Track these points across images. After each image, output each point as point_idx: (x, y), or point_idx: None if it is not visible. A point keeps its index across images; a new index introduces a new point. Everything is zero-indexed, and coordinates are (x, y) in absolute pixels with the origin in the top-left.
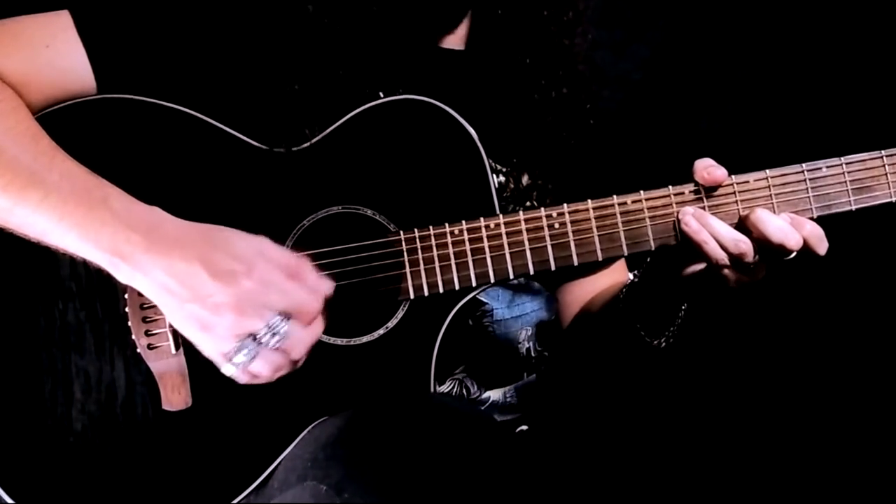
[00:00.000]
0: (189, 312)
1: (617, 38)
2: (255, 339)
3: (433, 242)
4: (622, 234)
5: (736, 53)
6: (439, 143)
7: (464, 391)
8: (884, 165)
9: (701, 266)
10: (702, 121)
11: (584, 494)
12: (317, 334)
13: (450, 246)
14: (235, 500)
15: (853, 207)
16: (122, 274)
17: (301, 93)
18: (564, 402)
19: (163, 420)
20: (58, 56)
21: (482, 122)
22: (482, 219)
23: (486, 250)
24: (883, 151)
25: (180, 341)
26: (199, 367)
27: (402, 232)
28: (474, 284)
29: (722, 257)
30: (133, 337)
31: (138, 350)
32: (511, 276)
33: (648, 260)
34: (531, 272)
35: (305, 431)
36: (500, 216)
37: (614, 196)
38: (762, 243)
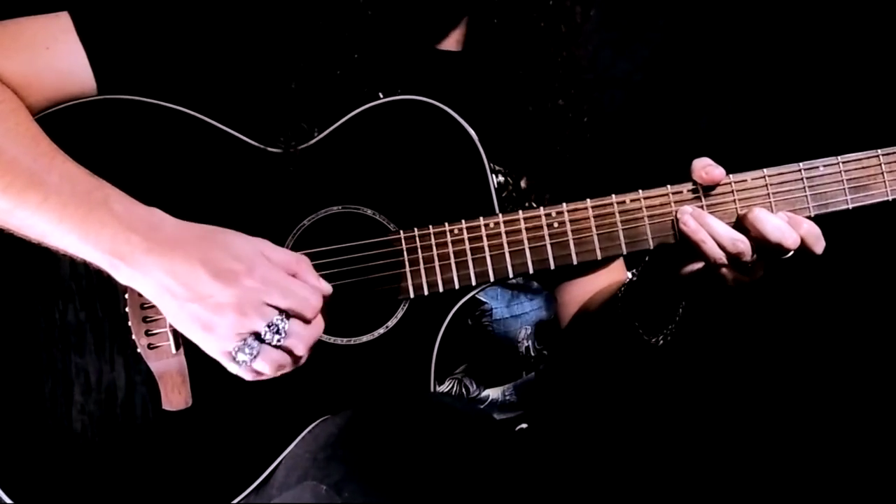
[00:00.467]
0: (190, 313)
1: (617, 38)
2: (257, 337)
3: (433, 242)
4: (621, 233)
5: (735, 53)
6: (439, 143)
7: (463, 390)
8: (880, 164)
9: (699, 265)
10: (701, 121)
11: (583, 493)
12: (318, 332)
13: (449, 245)
14: (235, 500)
15: (850, 206)
16: (123, 275)
17: (299, 92)
18: (563, 401)
19: (163, 420)
20: (58, 58)
21: (479, 124)
22: (482, 218)
23: (486, 249)
24: (879, 150)
25: (180, 341)
26: (200, 366)
27: (401, 231)
28: (474, 284)
29: (720, 256)
30: (133, 337)
31: (138, 350)
32: (510, 276)
33: (647, 259)
34: (530, 271)
35: (306, 431)
36: (500, 215)
37: (613, 195)
38: (760, 242)
